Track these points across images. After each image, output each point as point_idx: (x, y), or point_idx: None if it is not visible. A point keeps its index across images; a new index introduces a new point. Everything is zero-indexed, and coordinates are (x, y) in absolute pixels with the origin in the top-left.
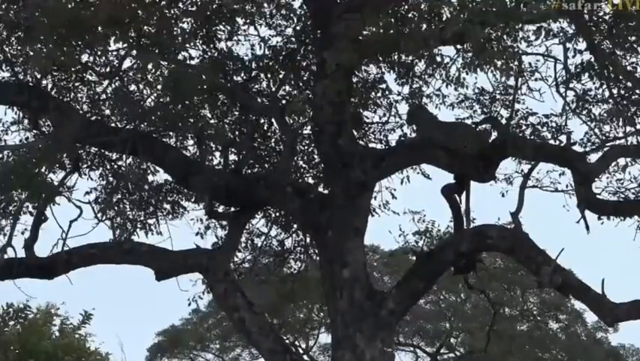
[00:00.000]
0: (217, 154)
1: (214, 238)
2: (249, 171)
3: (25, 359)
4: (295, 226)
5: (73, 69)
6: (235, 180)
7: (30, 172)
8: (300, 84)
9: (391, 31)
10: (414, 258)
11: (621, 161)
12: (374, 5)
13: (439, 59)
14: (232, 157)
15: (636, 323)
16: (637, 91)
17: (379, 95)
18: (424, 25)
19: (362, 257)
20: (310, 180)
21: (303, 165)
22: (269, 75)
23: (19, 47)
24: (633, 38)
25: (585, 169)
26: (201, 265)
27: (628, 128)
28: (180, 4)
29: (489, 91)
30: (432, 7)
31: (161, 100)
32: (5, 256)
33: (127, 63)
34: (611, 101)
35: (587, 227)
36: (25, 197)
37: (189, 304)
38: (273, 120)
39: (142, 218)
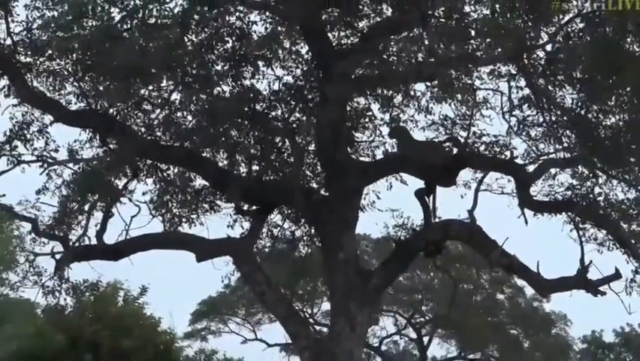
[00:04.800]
0: (243, 165)
1: (241, 229)
2: (268, 178)
3: (97, 322)
4: (303, 220)
5: (133, 100)
6: (257, 186)
7: (100, 179)
8: (307, 112)
9: (376, 72)
10: (394, 245)
11: (552, 170)
12: (363, 50)
13: (412, 93)
14: (254, 167)
15: (563, 295)
16: (564, 118)
17: (367, 120)
18: (400, 67)
19: (354, 245)
20: (314, 185)
21: (309, 174)
22: (283, 105)
23: (91, 84)
24: (562, 77)
25: (525, 177)
26: (232, 250)
27: (557, 146)
28: (215, 51)
29: (451, 117)
30: (408, 52)
31: (201, 124)
32: (82, 243)
33: (174, 96)
34: (544, 125)
35: (526, 221)
36: (97, 198)
37: (222, 281)
38: (285, 140)
39: (186, 214)
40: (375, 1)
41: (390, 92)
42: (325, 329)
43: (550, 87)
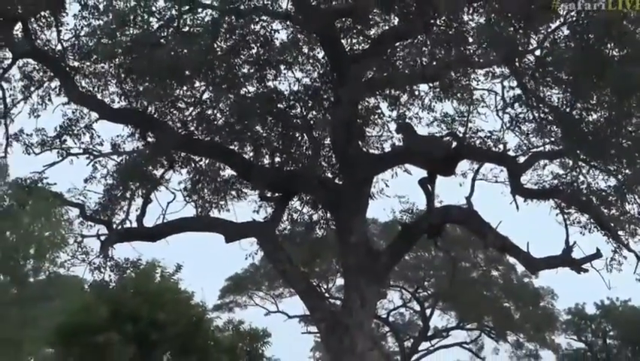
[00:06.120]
0: (266, 157)
1: (265, 213)
2: (289, 168)
3: (137, 296)
4: (320, 206)
5: (169, 99)
6: (279, 175)
7: (140, 170)
8: (323, 110)
9: (385, 74)
10: (400, 227)
11: (541, 162)
12: (373, 55)
13: (417, 93)
14: (277, 159)
15: (550, 271)
16: (552, 114)
17: (376, 117)
18: (406, 70)
19: (364, 228)
20: (329, 175)
21: (325, 165)
22: (301, 104)
23: (132, 85)
24: (549, 79)
25: (516, 167)
26: (256, 232)
27: (546, 140)
28: (242, 56)
29: (451, 114)
30: (413, 57)
31: (229, 120)
32: (124, 226)
33: (206, 95)
34: (534, 121)
35: (517, 207)
36: (137, 186)
37: (246, 258)
38: (304, 134)
39: (216, 200)
40: (383, 11)
41: (397, 92)
42: (339, 303)
43: (539, 87)
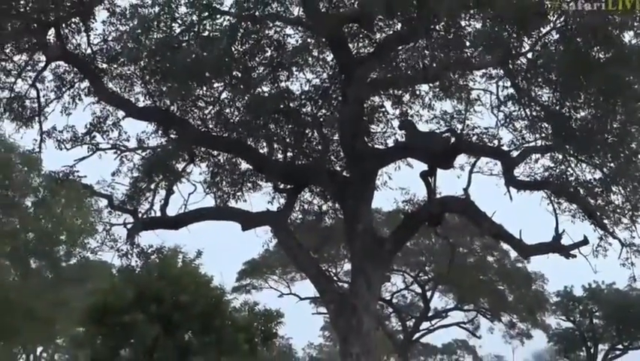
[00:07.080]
0: (279, 152)
1: (278, 204)
2: (300, 162)
3: (161, 279)
4: (328, 196)
5: (190, 99)
6: (291, 168)
7: (163, 163)
8: (332, 109)
9: (388, 75)
10: (402, 217)
11: (533, 156)
12: (377, 57)
13: (418, 92)
14: (289, 154)
15: (541, 257)
16: (543, 112)
17: (380, 115)
18: (408, 72)
19: (370, 216)
20: (338, 168)
21: (333, 159)
22: (312, 103)
23: (156, 85)
24: (541, 79)
25: (510, 161)
26: (270, 221)
27: (537, 135)
28: (257, 58)
29: (450, 112)
30: (415, 58)
31: (245, 118)
32: (149, 216)
33: (224, 95)
34: (526, 118)
35: (511, 197)
36: (161, 179)
37: (263, 246)
38: (314, 131)
39: (233, 191)
40: (387, 17)
41: (400, 91)
42: (347, 286)
43: (531, 87)
